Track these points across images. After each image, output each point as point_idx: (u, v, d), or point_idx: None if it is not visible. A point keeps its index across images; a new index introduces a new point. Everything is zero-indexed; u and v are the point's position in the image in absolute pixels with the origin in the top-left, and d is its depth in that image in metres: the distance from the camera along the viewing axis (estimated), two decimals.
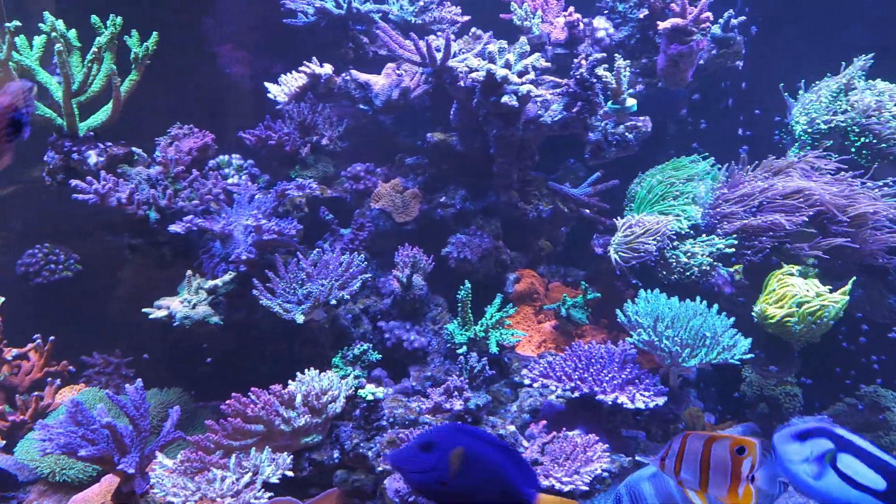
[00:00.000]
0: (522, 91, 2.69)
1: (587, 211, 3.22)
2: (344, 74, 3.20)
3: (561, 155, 3.60)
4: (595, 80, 2.79)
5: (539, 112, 2.92)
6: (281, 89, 3.07)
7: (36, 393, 3.09)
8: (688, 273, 3.02)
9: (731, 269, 3.23)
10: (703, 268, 2.97)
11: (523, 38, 2.78)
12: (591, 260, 3.48)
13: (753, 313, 2.92)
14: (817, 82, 3.36)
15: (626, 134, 2.77)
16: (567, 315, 3.06)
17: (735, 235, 2.95)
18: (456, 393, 2.65)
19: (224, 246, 3.12)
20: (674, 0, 3.03)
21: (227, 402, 2.52)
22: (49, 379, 3.22)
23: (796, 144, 3.33)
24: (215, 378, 3.63)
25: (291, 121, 3.57)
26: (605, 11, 3.38)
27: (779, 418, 3.21)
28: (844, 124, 3.08)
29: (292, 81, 3.08)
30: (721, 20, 3.15)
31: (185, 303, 3.03)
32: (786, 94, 3.42)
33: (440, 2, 3.61)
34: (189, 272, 3.04)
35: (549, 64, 2.83)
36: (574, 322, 3.09)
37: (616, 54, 3.30)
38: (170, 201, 3.07)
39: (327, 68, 3.13)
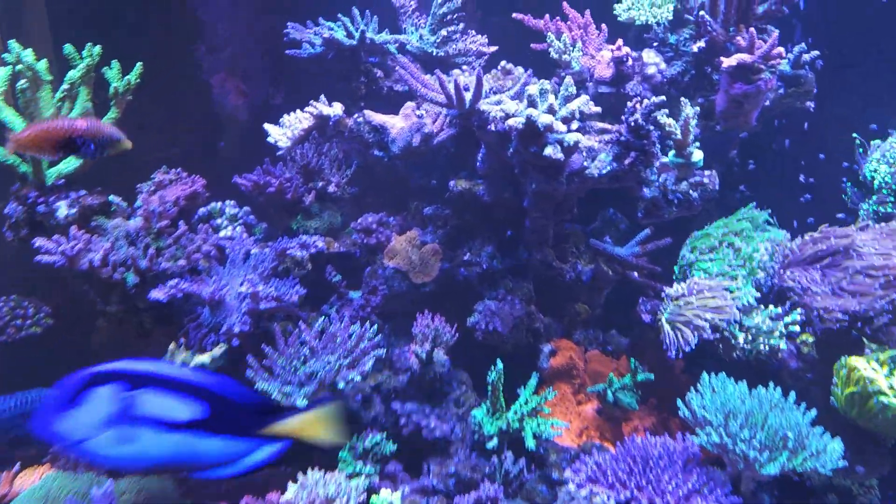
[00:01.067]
0: (569, 141, 2.27)
1: (635, 274, 2.78)
2: (356, 115, 2.77)
3: (598, 203, 3.17)
4: (652, 128, 2.36)
5: (585, 163, 2.49)
6: (283, 132, 2.64)
7: None
8: (754, 353, 2.58)
9: (798, 340, 2.78)
10: (774, 348, 2.53)
11: (569, 79, 2.35)
12: (635, 323, 3.03)
13: (833, 397, 2.47)
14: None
15: (691, 192, 2.34)
16: (614, 399, 2.61)
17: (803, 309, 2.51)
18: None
19: (214, 313, 2.68)
20: (739, 32, 2.61)
21: None
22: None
23: (873, 198, 2.89)
24: None
25: (294, 164, 3.15)
26: (655, 44, 2.96)
27: None
28: None
29: (296, 123, 2.65)
30: (790, 55, 2.72)
31: None
32: (858, 138, 2.99)
33: (464, 30, 3.19)
34: (172, 346, 2.60)
35: (599, 109, 2.40)
36: (622, 407, 2.64)
37: (668, 93, 2.88)
38: (151, 262, 2.63)
39: (337, 108, 2.71)
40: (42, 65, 2.65)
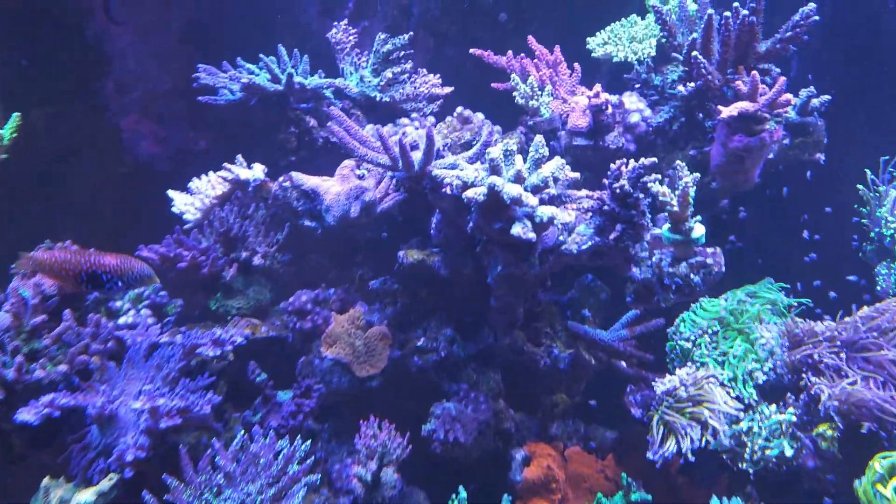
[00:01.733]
0: (542, 217, 1.80)
1: (623, 363, 2.32)
2: (282, 179, 2.26)
3: (575, 268, 2.71)
4: (641, 195, 1.91)
5: (560, 237, 2.03)
6: (191, 202, 2.12)
7: None
8: (762, 462, 2.15)
9: (816, 433, 2.35)
10: (783, 455, 2.10)
11: (539, 138, 1.88)
12: (623, 414, 2.57)
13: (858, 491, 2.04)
14: None
15: (691, 275, 1.89)
16: None
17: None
18: None
19: (104, 432, 2.13)
20: (739, 75, 2.19)
21: None
22: None
23: (887, 260, 2.49)
24: None
25: (212, 230, 2.62)
26: (637, 86, 2.52)
27: None
28: None
29: (207, 190, 2.14)
30: (796, 100, 2.30)
31: None
32: (864, 192, 2.59)
33: (413, 70, 2.71)
34: (46, 481, 2.04)
35: (577, 175, 1.93)
36: None
37: (655, 144, 2.45)
38: (20, 372, 2.08)
39: (257, 171, 2.21)
40: None
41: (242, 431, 2.17)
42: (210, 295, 2.61)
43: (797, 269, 2.79)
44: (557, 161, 1.92)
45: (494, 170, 1.87)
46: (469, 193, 1.85)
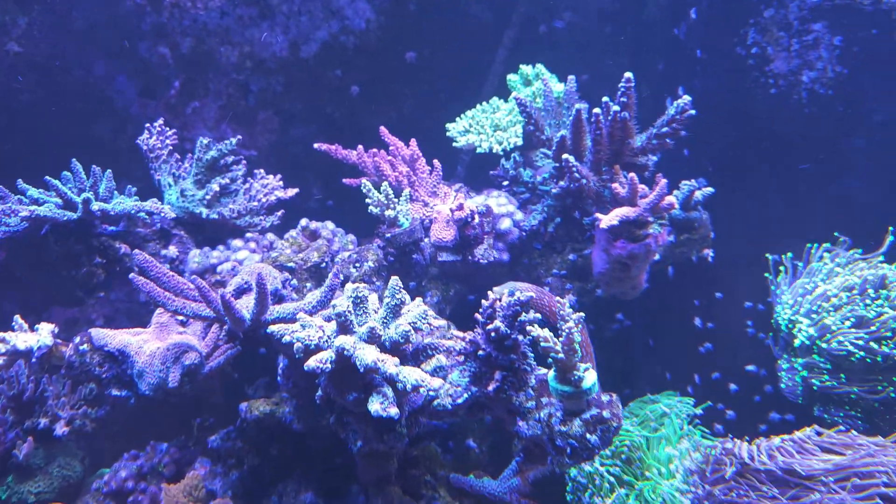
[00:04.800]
0: (405, 383, 1.43)
1: None
2: (78, 340, 1.77)
3: None
4: (520, 337, 1.59)
5: (429, 393, 1.66)
6: None
7: None
8: None
9: None
10: None
11: (395, 280, 1.52)
12: None
13: None
14: (801, 260, 2.38)
15: (587, 436, 1.57)
16: None
17: None
18: None
19: None
20: (615, 176, 1.93)
21: None
22: None
23: (799, 361, 2.27)
24: None
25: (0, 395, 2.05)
26: (505, 183, 2.23)
27: None
28: None
29: None
30: (678, 193, 2.08)
31: None
32: (769, 274, 2.40)
33: (247, 175, 2.29)
34: None
35: (444, 322, 1.59)
36: None
37: (531, 249, 2.16)
38: None
39: (44, 333, 1.72)
40: None
41: None
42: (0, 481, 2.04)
43: (692, 360, 2.58)
44: (418, 307, 1.56)
45: (343, 327, 1.49)
46: (312, 363, 1.45)
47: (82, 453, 2.15)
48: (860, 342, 2.04)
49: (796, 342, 2.21)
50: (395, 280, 1.56)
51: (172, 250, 2.10)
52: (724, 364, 2.54)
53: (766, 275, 2.37)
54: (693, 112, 1.94)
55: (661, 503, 1.79)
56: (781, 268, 2.38)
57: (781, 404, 2.41)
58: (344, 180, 2.39)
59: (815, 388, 2.14)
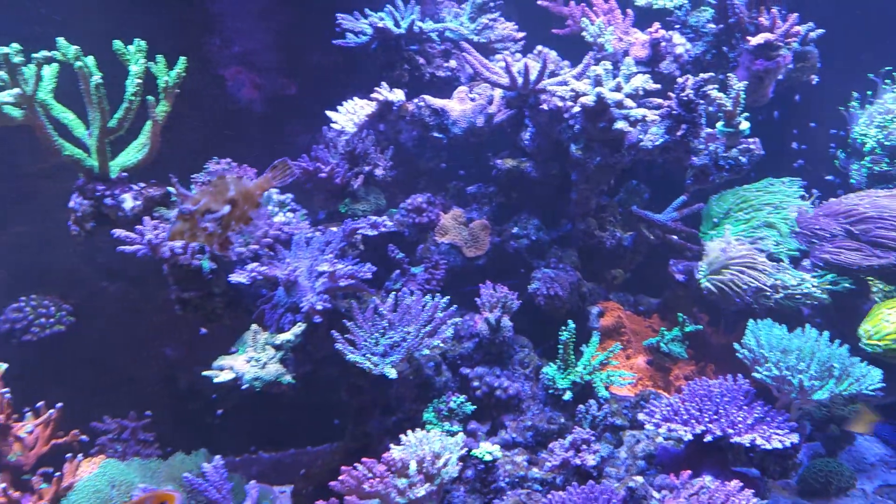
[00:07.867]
0: (636, 116, 2.49)
1: (675, 237, 3.05)
2: (417, 101, 2.92)
3: (620, 176, 3.42)
4: (701, 101, 2.62)
5: (640, 136, 2.72)
6: (348, 119, 2.75)
7: (50, 471, 2.65)
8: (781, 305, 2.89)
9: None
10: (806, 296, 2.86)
11: (629, 59, 2.59)
12: (663, 286, 3.30)
13: (861, 331, 2.79)
14: (873, 92, 3.31)
15: (740, 157, 2.62)
16: (668, 350, 2.87)
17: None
18: (584, 446, 2.41)
19: (289, 294, 2.77)
20: (760, 14, 2.90)
21: (340, 478, 2.21)
22: (69, 455, 2.76)
23: (866, 159, 3.24)
24: (225, 431, 3.44)
25: (335, 151, 3.25)
26: (677, 26, 3.23)
27: (848, 440, 3.12)
28: None
29: (359, 110, 2.77)
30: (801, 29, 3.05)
31: (253, 362, 2.68)
32: (846, 106, 3.35)
33: (495, 18, 3.38)
34: (255, 327, 2.69)
35: (658, 86, 2.63)
36: (672, 357, 2.91)
37: (691, 72, 3.16)
38: (223, 248, 2.70)
39: (399, 94, 2.85)
40: (91, 60, 2.64)
41: (393, 292, 2.83)
42: (339, 201, 3.25)
43: (787, 173, 3.54)
44: (643, 76, 2.62)
45: (598, 82, 2.56)
46: (583, 101, 2.54)
47: (385, 194, 3.34)
48: None
49: (866, 147, 3.17)
50: (629, 59, 2.61)
51: (452, 63, 3.24)
52: (811, 176, 3.48)
53: (843, 107, 3.32)
54: None
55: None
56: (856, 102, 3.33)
57: None
58: (553, 30, 3.43)
59: (875, 171, 3.11)
